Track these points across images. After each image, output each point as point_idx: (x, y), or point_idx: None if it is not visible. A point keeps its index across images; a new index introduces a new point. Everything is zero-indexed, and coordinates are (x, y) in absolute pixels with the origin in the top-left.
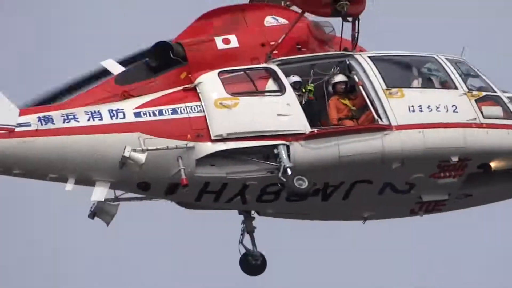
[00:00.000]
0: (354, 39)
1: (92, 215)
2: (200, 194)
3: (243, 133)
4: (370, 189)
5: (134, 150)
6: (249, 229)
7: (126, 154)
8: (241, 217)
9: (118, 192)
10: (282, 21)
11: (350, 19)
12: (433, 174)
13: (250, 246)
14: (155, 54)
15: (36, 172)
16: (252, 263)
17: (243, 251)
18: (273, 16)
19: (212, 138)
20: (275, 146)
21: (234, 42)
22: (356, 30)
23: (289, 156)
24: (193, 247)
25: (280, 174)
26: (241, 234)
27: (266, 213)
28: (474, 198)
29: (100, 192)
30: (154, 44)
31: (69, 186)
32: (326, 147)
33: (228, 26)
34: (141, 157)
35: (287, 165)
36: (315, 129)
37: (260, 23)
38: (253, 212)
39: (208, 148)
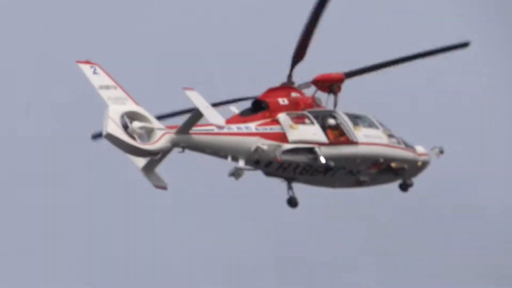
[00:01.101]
0: (336, 103)
1: (232, 174)
2: (279, 167)
3: (300, 140)
4: (342, 172)
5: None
6: (289, 185)
7: (259, 143)
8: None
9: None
10: (298, 94)
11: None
12: (369, 167)
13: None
14: (254, 105)
15: (217, 154)
16: (294, 200)
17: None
18: (295, 92)
19: (290, 141)
20: (314, 148)
21: (285, 101)
22: (337, 99)
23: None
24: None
25: (322, 159)
26: (288, 187)
27: (298, 179)
28: (376, 181)
29: (241, 163)
30: (254, 101)
31: (241, 162)
32: (334, 149)
33: (282, 93)
34: (265, 147)
35: (325, 155)
36: (328, 141)
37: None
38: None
39: (287, 146)
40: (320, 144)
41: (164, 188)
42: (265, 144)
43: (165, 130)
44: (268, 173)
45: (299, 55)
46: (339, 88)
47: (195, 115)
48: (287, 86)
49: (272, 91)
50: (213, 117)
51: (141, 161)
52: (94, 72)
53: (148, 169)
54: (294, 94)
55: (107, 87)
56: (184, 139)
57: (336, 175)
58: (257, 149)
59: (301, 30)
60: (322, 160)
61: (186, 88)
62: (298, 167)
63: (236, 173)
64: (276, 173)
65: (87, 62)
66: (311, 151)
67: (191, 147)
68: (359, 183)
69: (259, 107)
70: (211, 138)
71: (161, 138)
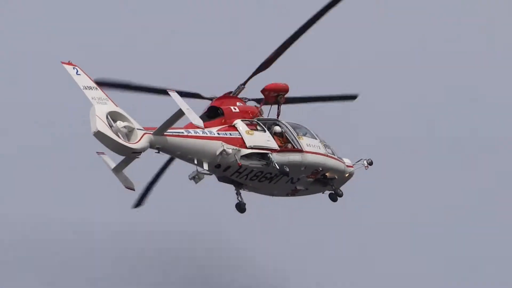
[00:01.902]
0: (279, 113)
1: (193, 177)
2: (235, 171)
3: (257, 146)
4: (285, 179)
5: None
6: (238, 191)
7: (224, 147)
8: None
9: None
10: (241, 103)
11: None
12: (308, 176)
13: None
14: (209, 111)
15: (185, 156)
16: (241, 206)
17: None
18: (239, 102)
19: (247, 147)
20: (268, 154)
21: (236, 109)
22: (280, 109)
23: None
24: None
25: (274, 165)
26: (236, 193)
27: (246, 185)
28: (308, 191)
29: (205, 166)
30: (210, 107)
31: (205, 166)
32: (284, 156)
33: (231, 102)
34: (230, 150)
35: (277, 161)
36: (279, 148)
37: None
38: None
39: (246, 150)
40: (273, 150)
41: (132, 189)
42: (229, 148)
43: (144, 131)
44: (222, 178)
45: (266, 65)
46: (283, 99)
47: (176, 116)
48: (231, 96)
49: (220, 99)
50: (194, 118)
51: (112, 163)
52: (77, 73)
53: (118, 170)
54: (239, 103)
55: (90, 88)
56: (160, 140)
57: (278, 183)
58: (222, 152)
59: (280, 44)
60: (277, 166)
61: (169, 89)
62: (251, 172)
63: (197, 177)
64: (230, 178)
65: (69, 63)
66: (264, 157)
67: (165, 148)
68: (295, 192)
69: (214, 113)
70: (183, 140)
71: (142, 137)
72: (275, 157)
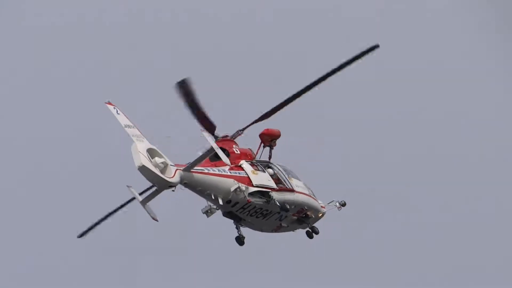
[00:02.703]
0: (271, 155)
1: (205, 211)
2: (241, 207)
3: (261, 185)
4: (275, 216)
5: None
6: (237, 226)
7: (239, 185)
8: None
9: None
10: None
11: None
12: (293, 214)
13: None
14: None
15: (204, 192)
16: (241, 239)
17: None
18: (234, 144)
19: (254, 185)
20: (269, 192)
21: (238, 151)
22: (272, 152)
23: None
24: None
25: (275, 202)
26: (236, 228)
27: (244, 220)
28: (288, 227)
29: (220, 201)
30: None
31: (220, 201)
32: (281, 195)
33: (230, 144)
34: (243, 187)
35: (277, 199)
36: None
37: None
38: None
39: (252, 188)
40: (272, 189)
41: (155, 219)
42: (243, 186)
43: (176, 167)
44: (227, 213)
45: (266, 116)
46: (275, 143)
47: (206, 154)
48: (227, 139)
49: (221, 141)
50: (224, 157)
51: (140, 196)
52: (117, 113)
53: (144, 203)
54: (235, 146)
55: (129, 126)
56: (188, 176)
57: (269, 219)
58: (236, 189)
59: (283, 100)
60: (278, 203)
61: (202, 130)
62: (253, 208)
63: (209, 211)
64: (234, 214)
65: (109, 103)
66: (265, 195)
67: (190, 183)
68: (278, 228)
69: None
70: (206, 177)
71: (175, 173)
72: (275, 196)
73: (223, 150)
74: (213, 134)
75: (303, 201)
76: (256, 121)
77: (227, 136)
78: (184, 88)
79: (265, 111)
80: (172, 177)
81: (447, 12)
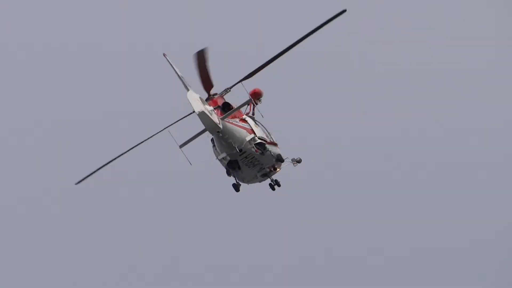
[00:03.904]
0: (254, 112)
1: (221, 158)
2: (245, 156)
3: (261, 137)
4: (258, 167)
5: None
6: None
7: (253, 136)
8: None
9: None
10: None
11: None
12: (268, 166)
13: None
14: (223, 106)
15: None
16: (238, 186)
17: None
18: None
19: (258, 137)
20: (264, 144)
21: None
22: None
23: None
24: None
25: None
26: (233, 176)
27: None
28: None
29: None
30: (224, 103)
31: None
32: (271, 147)
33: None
34: (257, 138)
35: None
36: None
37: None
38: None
39: (257, 140)
40: (267, 142)
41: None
42: (256, 137)
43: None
44: (231, 163)
45: (252, 74)
46: (260, 101)
47: (242, 105)
48: (220, 96)
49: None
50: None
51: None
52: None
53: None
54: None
55: (182, 77)
56: (223, 124)
57: (254, 169)
58: (251, 140)
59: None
60: (273, 153)
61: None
62: (252, 158)
63: (223, 159)
64: (236, 163)
65: (164, 55)
66: (261, 146)
67: (222, 131)
68: (253, 179)
69: (228, 108)
70: (233, 127)
71: (219, 119)
72: (270, 148)
73: (229, 104)
74: (209, 92)
75: (280, 154)
76: (243, 79)
77: (216, 94)
78: (202, 54)
79: (249, 72)
80: (219, 123)
81: None
